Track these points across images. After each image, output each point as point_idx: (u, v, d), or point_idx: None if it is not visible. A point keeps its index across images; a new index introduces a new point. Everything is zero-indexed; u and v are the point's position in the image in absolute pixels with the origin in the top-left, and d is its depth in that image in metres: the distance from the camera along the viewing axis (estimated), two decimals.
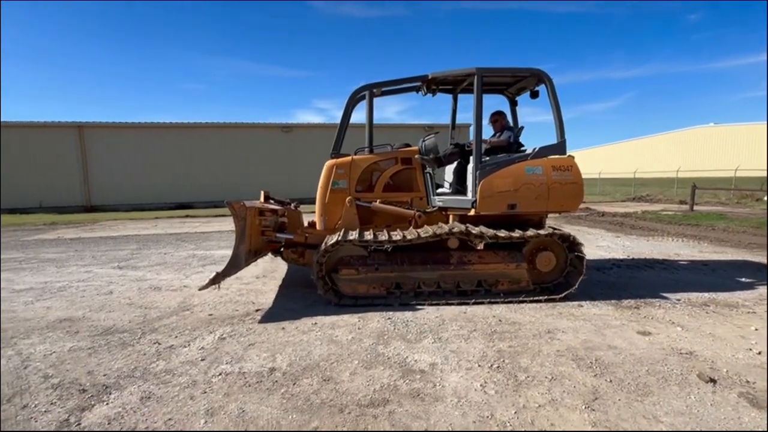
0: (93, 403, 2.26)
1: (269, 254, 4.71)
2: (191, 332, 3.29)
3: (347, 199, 4.37)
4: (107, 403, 2.26)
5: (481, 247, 3.99)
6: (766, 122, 36.59)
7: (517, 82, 4.72)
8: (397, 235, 3.94)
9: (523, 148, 4.57)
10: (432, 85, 4.67)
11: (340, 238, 3.81)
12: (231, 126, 20.05)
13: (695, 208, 13.00)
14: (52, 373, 2.63)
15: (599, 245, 7.01)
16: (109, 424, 2.06)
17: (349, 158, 4.44)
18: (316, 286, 3.87)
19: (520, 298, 3.89)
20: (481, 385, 2.38)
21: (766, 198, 14.61)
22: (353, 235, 3.90)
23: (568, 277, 4.09)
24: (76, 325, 3.51)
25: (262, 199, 4.83)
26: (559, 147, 4.21)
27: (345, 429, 1.99)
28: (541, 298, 3.90)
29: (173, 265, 5.98)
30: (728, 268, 5.25)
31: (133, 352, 2.94)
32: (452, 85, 4.99)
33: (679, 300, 3.95)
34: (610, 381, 2.40)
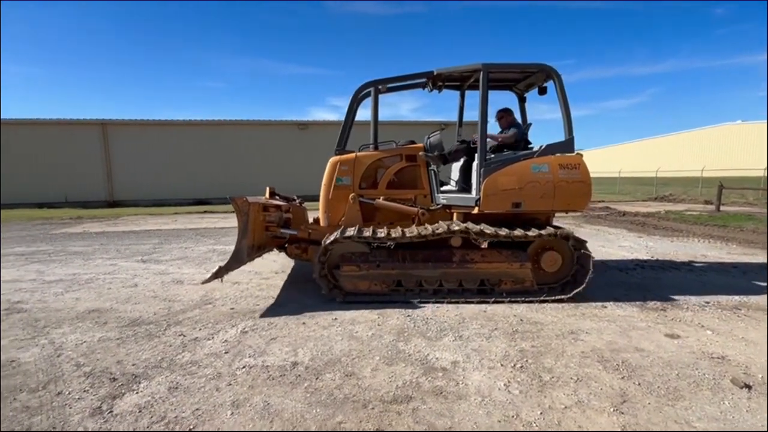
0: (123, 391, 2.33)
1: (275, 250, 4.73)
2: (214, 325, 3.35)
3: (350, 195, 4.37)
4: (137, 392, 2.32)
5: (485, 245, 3.93)
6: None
7: (526, 78, 4.61)
8: (396, 233, 3.91)
9: (530, 146, 4.46)
10: (438, 81, 4.61)
11: (338, 236, 3.83)
12: (248, 123, 20.32)
13: (722, 208, 12.56)
14: (83, 361, 2.72)
15: (621, 245, 6.85)
16: (139, 412, 2.12)
17: (353, 155, 4.44)
18: (318, 284, 3.91)
19: (526, 299, 3.80)
20: (504, 385, 2.35)
21: (765, 199, 14.34)
22: (351, 231, 3.91)
23: (576, 276, 3.97)
24: (104, 316, 3.61)
25: (267, 195, 4.87)
26: (567, 144, 4.11)
27: (369, 424, 2.00)
28: (548, 298, 3.81)
29: (194, 260, 6.10)
30: (760, 271, 5.05)
31: (159, 343, 3.01)
32: (459, 81, 4.92)
33: (708, 303, 3.82)
34: (639, 384, 2.34)
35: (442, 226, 3.94)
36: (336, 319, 3.47)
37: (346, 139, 4.51)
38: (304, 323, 3.38)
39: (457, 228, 3.85)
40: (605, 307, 3.72)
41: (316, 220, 4.75)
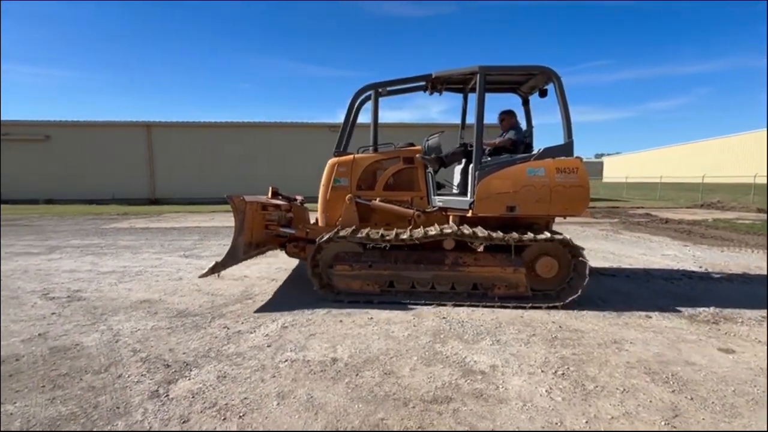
0: (177, 377, 2.48)
1: (277, 248, 4.84)
2: (256, 320, 3.49)
3: (347, 196, 4.41)
4: (189, 379, 2.46)
5: (480, 249, 3.84)
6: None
7: (528, 81, 4.53)
8: (388, 234, 3.92)
9: (531, 149, 4.36)
10: (437, 84, 4.59)
11: (331, 236, 3.90)
12: (282, 125, 20.88)
13: None
14: (139, 348, 2.90)
15: (665, 254, 6.53)
16: (193, 397, 2.24)
17: (351, 157, 4.49)
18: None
19: (518, 304, 3.75)
20: (546, 391, 2.31)
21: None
22: (344, 232, 3.96)
23: (571, 283, 3.86)
24: (154, 307, 3.84)
25: (270, 194, 4.95)
26: (566, 148, 4.03)
27: (411, 422, 2.03)
28: (541, 305, 3.72)
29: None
30: None
31: (206, 334, 3.17)
32: (460, 84, 4.88)
33: (765, 317, 3.58)
34: (691, 399, 2.24)
35: (434, 229, 3.94)
36: (372, 318, 3.52)
37: (346, 141, 4.61)
38: (341, 321, 3.46)
39: (449, 231, 3.85)
40: (650, 317, 3.57)
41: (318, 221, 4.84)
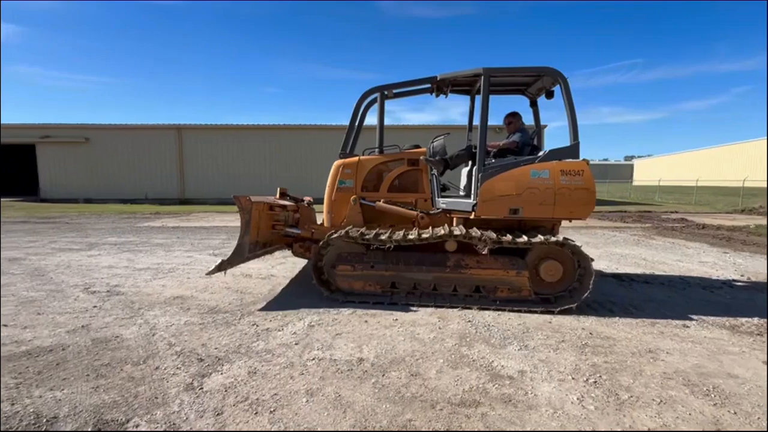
0: (210, 371, 2.56)
1: (284, 248, 4.94)
2: (283, 318, 3.56)
3: (352, 198, 4.45)
4: (221, 373, 2.54)
5: (485, 252, 3.77)
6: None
7: (536, 82, 4.48)
8: (383, 235, 3.92)
9: (538, 152, 4.24)
10: (442, 86, 4.58)
11: (332, 235, 3.97)
12: (307, 127, 21.23)
13: None
14: (174, 341, 3.02)
15: (703, 261, 6.23)
16: (225, 391, 2.32)
17: (356, 159, 4.54)
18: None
19: (525, 308, 3.70)
20: (578, 399, 2.26)
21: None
22: (342, 232, 4.00)
23: (577, 287, 3.78)
24: (186, 303, 3.98)
25: (278, 195, 5.05)
26: (572, 150, 3.96)
27: (439, 424, 2.02)
28: (536, 309, 3.69)
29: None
30: None
31: (236, 331, 3.26)
32: (467, 86, 4.82)
33: None
34: (735, 413, 2.14)
35: (435, 231, 3.94)
36: (397, 320, 3.53)
37: (352, 143, 4.67)
38: (366, 321, 3.48)
39: (442, 232, 3.85)
40: (687, 327, 3.42)
41: None
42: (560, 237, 3.81)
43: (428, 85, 4.58)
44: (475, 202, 4.03)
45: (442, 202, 4.36)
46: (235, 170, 20.71)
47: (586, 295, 3.67)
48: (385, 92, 4.53)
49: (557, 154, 3.97)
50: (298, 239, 4.64)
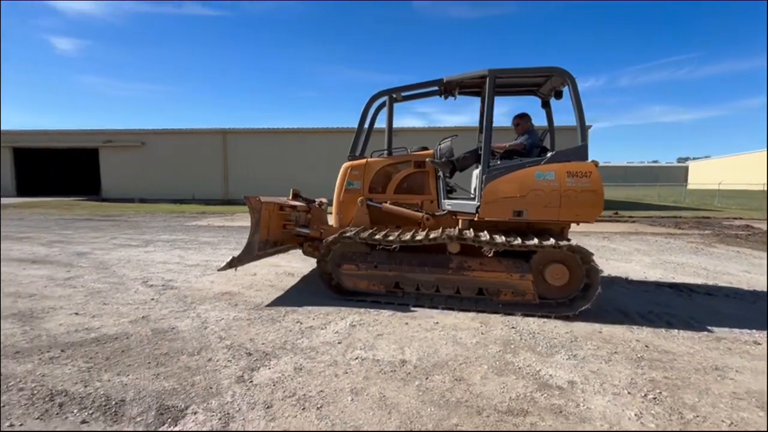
0: (258, 366, 2.66)
1: (297, 247, 5.06)
2: (325, 317, 3.64)
3: (359, 199, 4.53)
4: (269, 368, 2.63)
5: (490, 254, 3.74)
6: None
7: (547, 82, 4.39)
8: (379, 235, 3.97)
9: (547, 153, 4.11)
10: (449, 88, 4.53)
11: (336, 236, 4.07)
12: (343, 130, 21.60)
13: None
14: (224, 335, 3.17)
15: None
16: (274, 385, 2.40)
17: (364, 161, 4.61)
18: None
19: (528, 312, 3.67)
20: (635, 415, 2.13)
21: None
22: (349, 232, 4.06)
23: (585, 292, 3.67)
24: (234, 299, 4.16)
25: (291, 196, 5.17)
26: (580, 151, 3.86)
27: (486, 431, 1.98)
28: (549, 314, 3.62)
29: (299, 255, 6.67)
30: None
31: (281, 327, 3.37)
32: (475, 87, 4.68)
33: None
34: None
35: (436, 233, 3.94)
36: (437, 323, 3.50)
37: (363, 145, 4.73)
38: (406, 323, 3.48)
39: (442, 235, 3.85)
40: (758, 344, 3.12)
41: None
42: (553, 240, 3.67)
43: (436, 88, 4.58)
44: (478, 204, 3.99)
45: (448, 204, 4.36)
46: (276, 172, 21.45)
47: (597, 293, 3.59)
48: (394, 95, 4.60)
49: (565, 156, 3.89)
50: (308, 239, 4.78)
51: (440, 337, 3.18)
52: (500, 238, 3.72)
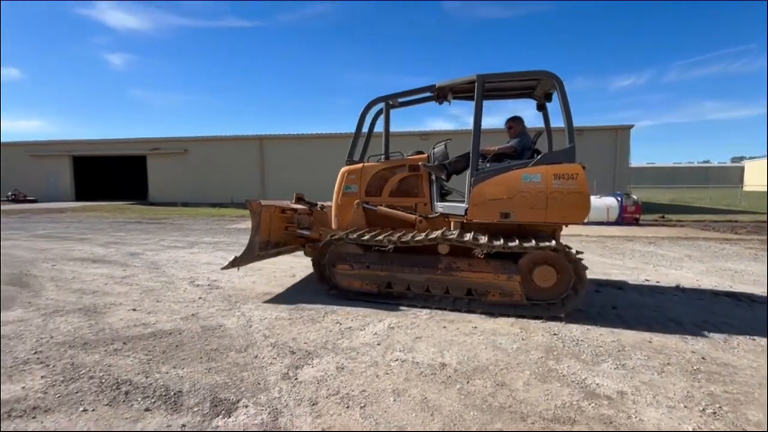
0: (302, 364, 2.76)
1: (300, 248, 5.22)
2: (363, 318, 3.70)
3: (355, 202, 4.67)
4: (312, 366, 2.72)
5: (481, 256, 3.78)
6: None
7: (539, 85, 4.42)
8: (367, 235, 4.14)
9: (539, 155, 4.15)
10: (441, 93, 4.58)
11: (329, 237, 4.27)
12: (377, 135, 21.83)
13: None
14: (268, 334, 3.30)
15: None
16: (318, 383, 2.48)
17: (361, 165, 4.76)
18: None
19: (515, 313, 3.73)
20: (694, 430, 2.02)
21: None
22: (342, 234, 4.24)
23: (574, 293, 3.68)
24: (275, 299, 4.32)
25: (294, 200, 5.40)
26: (567, 153, 3.89)
27: None
28: (527, 314, 3.69)
29: None
30: None
31: (321, 328, 3.46)
32: (468, 92, 4.58)
33: None
34: None
35: (426, 234, 4.04)
36: (476, 327, 3.47)
37: (362, 150, 4.86)
38: (444, 327, 3.48)
39: (433, 235, 3.93)
40: None
41: None
42: (536, 241, 3.68)
43: (429, 93, 4.65)
44: (467, 206, 4.07)
45: (440, 206, 4.44)
46: (310, 175, 21.95)
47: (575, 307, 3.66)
48: (390, 101, 4.74)
49: (553, 158, 3.93)
50: (309, 240, 4.94)
51: (479, 342, 3.15)
52: (483, 239, 3.80)
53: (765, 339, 3.21)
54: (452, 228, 4.31)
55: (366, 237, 4.12)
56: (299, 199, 5.51)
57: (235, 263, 4.28)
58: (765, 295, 4.54)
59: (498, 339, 3.21)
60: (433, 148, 4.71)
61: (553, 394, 2.37)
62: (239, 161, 22.76)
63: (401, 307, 3.94)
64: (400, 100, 4.80)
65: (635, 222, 12.18)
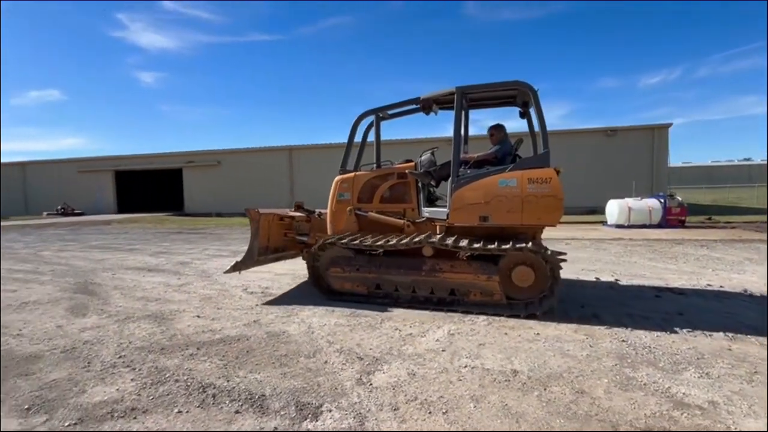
0: (372, 370, 2.79)
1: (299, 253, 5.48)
2: (421, 325, 3.71)
3: (348, 208, 4.91)
4: (384, 372, 2.75)
5: (465, 258, 3.97)
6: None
7: (518, 94, 4.62)
8: (355, 239, 4.39)
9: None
10: (426, 105, 4.75)
11: (321, 242, 4.55)
12: (400, 142, 21.93)
13: None
14: (331, 340, 3.36)
15: None
16: (394, 389, 2.50)
17: (353, 174, 5.00)
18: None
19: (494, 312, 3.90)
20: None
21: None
22: (333, 239, 4.49)
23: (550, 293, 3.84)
24: (330, 305, 4.38)
25: (294, 208, 5.69)
26: (542, 158, 4.08)
27: None
28: (503, 314, 3.87)
29: None
30: None
31: (381, 334, 3.49)
32: (452, 102, 4.67)
33: None
34: None
35: (409, 237, 4.27)
36: (538, 334, 3.41)
37: (358, 160, 5.12)
38: (506, 334, 3.44)
39: (418, 239, 4.12)
40: None
41: None
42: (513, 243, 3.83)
43: (415, 106, 4.84)
44: (449, 210, 4.29)
45: (426, 211, 4.69)
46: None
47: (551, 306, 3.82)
48: (380, 114, 5.02)
49: (528, 163, 4.14)
50: (307, 245, 5.16)
51: (545, 348, 3.10)
52: (464, 243, 3.97)
53: None
54: (438, 232, 4.46)
55: (356, 241, 4.36)
56: (299, 207, 5.82)
57: (237, 267, 4.69)
58: None
59: (564, 346, 3.15)
60: (420, 157, 4.91)
61: (639, 403, 2.30)
62: (270, 171, 23.37)
63: (388, 308, 4.14)
64: (389, 112, 5.07)
65: (681, 224, 11.66)
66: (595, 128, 19.15)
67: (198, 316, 4.07)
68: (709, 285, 5.02)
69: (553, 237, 10.15)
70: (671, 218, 11.64)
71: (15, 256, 8.47)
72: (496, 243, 3.90)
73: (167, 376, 2.73)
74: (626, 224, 11.73)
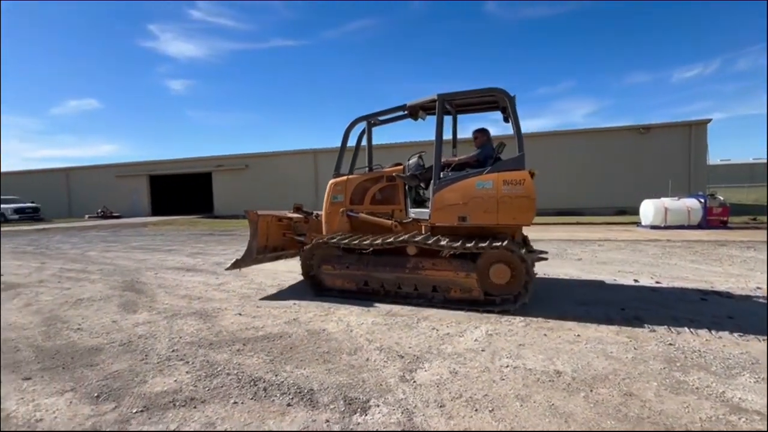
0: (414, 367, 2.84)
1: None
2: (457, 324, 3.73)
3: (341, 210, 5.15)
4: (425, 370, 2.79)
5: (447, 256, 4.15)
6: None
7: (498, 100, 4.76)
8: (343, 238, 4.62)
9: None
10: (412, 111, 4.91)
11: (314, 241, 4.83)
12: (409, 145, 21.92)
13: None
14: (371, 338, 3.43)
15: None
16: (438, 386, 2.54)
17: (346, 177, 5.25)
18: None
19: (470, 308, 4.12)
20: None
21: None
22: (325, 238, 4.77)
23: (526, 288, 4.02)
24: (365, 305, 4.45)
25: (293, 209, 6.10)
26: (517, 161, 4.25)
27: None
28: (478, 308, 4.08)
29: None
30: None
31: (419, 333, 3.54)
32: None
33: None
34: None
35: (394, 237, 4.44)
36: (579, 335, 3.37)
37: (351, 164, 5.46)
38: (545, 335, 3.41)
39: (402, 238, 4.32)
40: None
41: None
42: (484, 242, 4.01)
43: (403, 112, 5.01)
44: (430, 211, 4.51)
45: (413, 212, 4.98)
46: None
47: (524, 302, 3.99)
48: (371, 120, 5.27)
49: (504, 166, 4.30)
50: (304, 245, 5.33)
51: (588, 350, 3.06)
52: (444, 241, 4.16)
53: None
54: (423, 232, 4.63)
55: (345, 241, 4.56)
56: (297, 209, 6.14)
57: (237, 265, 5.08)
58: None
59: (607, 348, 3.10)
60: (408, 160, 5.09)
61: (693, 406, 2.24)
62: (295, 173, 23.83)
63: (375, 304, 4.38)
64: (380, 118, 5.28)
65: (723, 225, 11.12)
66: (625, 126, 18.49)
67: (239, 314, 4.24)
68: (758, 288, 4.79)
69: (584, 238, 9.91)
70: (712, 219, 11.11)
71: (65, 256, 9.02)
72: (474, 242, 4.08)
73: (219, 369, 2.87)
74: (662, 225, 11.29)
